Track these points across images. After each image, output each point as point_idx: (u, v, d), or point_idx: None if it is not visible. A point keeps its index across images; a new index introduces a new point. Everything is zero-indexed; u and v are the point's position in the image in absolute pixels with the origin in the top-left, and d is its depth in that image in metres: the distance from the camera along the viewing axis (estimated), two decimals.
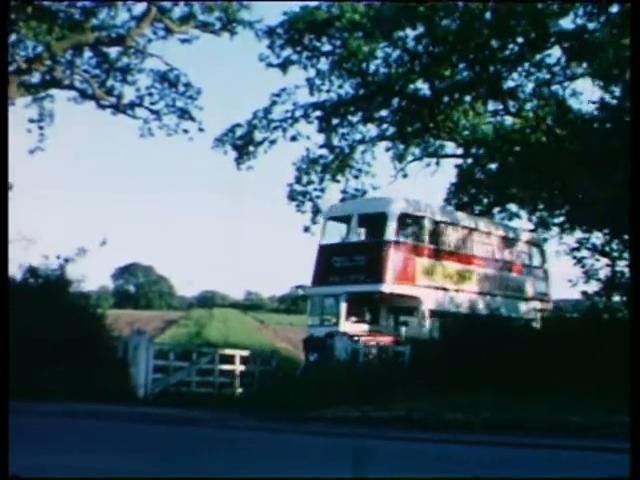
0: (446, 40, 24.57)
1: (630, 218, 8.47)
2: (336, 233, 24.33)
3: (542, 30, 23.86)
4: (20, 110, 26.79)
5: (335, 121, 28.73)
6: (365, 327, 23.48)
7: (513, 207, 32.48)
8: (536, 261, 28.74)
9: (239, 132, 28.75)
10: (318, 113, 28.57)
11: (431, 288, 23.78)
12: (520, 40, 24.69)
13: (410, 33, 25.83)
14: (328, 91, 27.89)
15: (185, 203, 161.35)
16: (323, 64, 27.64)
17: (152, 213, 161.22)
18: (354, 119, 28.86)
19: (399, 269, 23.02)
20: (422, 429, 12.90)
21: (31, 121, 27.04)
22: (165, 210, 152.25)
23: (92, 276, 21.63)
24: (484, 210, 31.40)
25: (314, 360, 21.30)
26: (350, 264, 23.21)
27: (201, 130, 27.81)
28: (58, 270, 21.11)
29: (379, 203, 25.66)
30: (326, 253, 23.89)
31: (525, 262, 28.10)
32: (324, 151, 29.37)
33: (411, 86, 27.27)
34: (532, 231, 31.07)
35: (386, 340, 21.91)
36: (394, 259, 22.89)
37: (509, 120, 29.26)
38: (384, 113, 28.70)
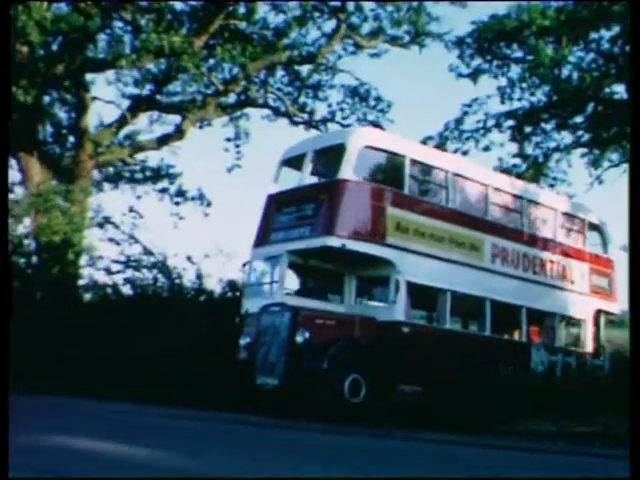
0: None
1: (630, 217, 7.75)
2: (291, 181, 17.59)
3: None
4: (217, 130, 27.94)
5: (528, 129, 28.19)
6: (318, 303, 16.53)
7: None
8: (595, 248, 21.24)
9: (431, 144, 28.72)
10: (510, 122, 28.14)
11: (410, 252, 16.58)
12: None
13: (605, 34, 25.03)
14: (520, 99, 27.39)
15: None
16: (514, 72, 27.25)
17: None
18: (547, 127, 28.19)
19: (359, 219, 16.20)
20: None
21: (228, 140, 28.13)
22: None
23: None
24: None
25: (245, 345, 15.90)
26: (297, 215, 16.82)
27: None
28: None
29: (337, 134, 20.24)
30: (272, 205, 17.45)
31: (577, 245, 20.65)
32: (517, 160, 28.89)
33: (606, 90, 26.33)
34: None
35: (584, 353, 20.56)
36: (350, 204, 16.05)
37: None
38: (579, 119, 27.84)
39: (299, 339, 14.59)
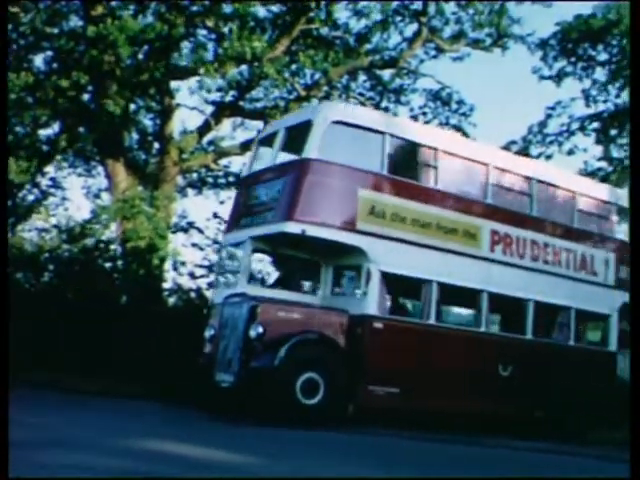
0: None
1: (631, 216, 7.48)
2: (266, 162, 16.04)
3: None
4: None
5: (613, 132, 27.72)
6: (287, 294, 15.04)
7: None
8: (617, 233, 18.62)
9: (514, 148, 28.44)
10: (595, 125, 27.75)
11: (386, 239, 14.76)
12: None
13: None
14: (605, 101, 27.05)
15: None
16: (599, 74, 26.86)
17: None
18: None
19: (323, 202, 14.49)
20: None
21: None
22: None
23: None
24: None
25: (209, 337, 14.76)
26: (261, 199, 15.34)
27: None
28: None
29: (307, 110, 18.81)
30: (243, 187, 16.36)
31: (602, 232, 18.33)
32: (603, 163, 28.45)
33: None
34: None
35: None
36: (313, 186, 14.37)
37: None
38: None
39: (252, 333, 13.36)
